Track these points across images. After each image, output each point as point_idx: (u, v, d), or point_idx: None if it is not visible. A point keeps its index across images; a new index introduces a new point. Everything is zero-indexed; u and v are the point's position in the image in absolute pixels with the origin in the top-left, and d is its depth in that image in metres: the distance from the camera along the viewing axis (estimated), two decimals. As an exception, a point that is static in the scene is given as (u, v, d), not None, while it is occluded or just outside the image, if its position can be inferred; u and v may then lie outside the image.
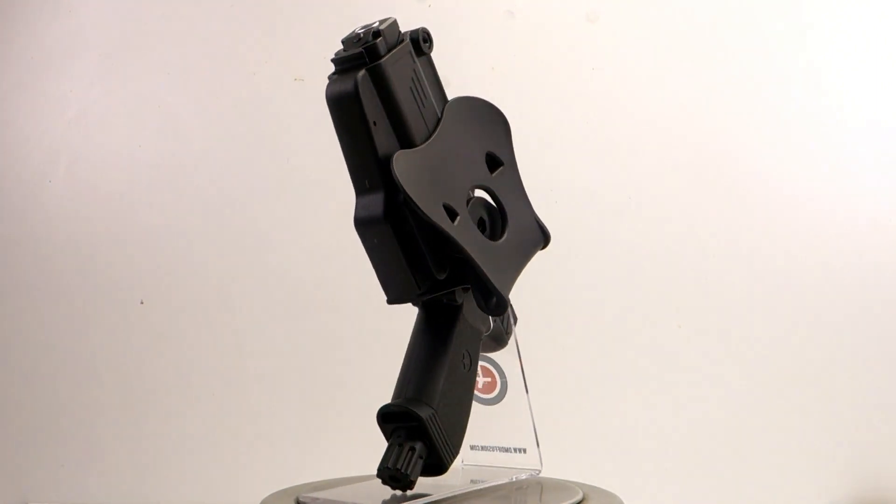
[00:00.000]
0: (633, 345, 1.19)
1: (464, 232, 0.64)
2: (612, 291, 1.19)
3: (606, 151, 1.22)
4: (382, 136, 0.62)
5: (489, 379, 0.73)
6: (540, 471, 0.71)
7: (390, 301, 0.66)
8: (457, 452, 0.66)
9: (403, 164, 0.61)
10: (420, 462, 0.63)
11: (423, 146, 0.63)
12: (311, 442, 1.18)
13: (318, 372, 1.22)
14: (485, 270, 0.64)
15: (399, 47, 0.64)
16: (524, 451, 0.71)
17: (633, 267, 1.20)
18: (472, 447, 0.75)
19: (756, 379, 1.18)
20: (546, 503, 0.66)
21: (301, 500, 0.67)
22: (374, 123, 0.62)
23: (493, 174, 0.68)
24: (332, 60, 0.64)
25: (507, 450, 0.73)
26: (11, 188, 1.29)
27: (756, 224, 1.20)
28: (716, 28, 1.23)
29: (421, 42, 0.66)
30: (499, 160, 0.69)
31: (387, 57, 0.63)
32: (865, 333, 1.17)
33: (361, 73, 0.62)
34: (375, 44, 0.62)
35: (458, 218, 0.63)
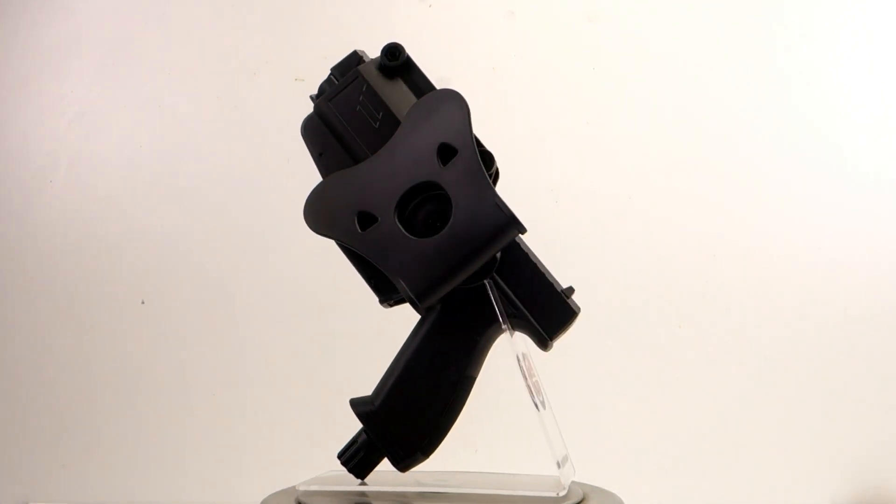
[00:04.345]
0: (632, 344, 1.19)
1: (375, 236, 0.66)
2: (612, 291, 1.19)
3: (606, 151, 1.22)
4: (330, 163, 0.70)
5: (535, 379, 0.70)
6: (557, 495, 0.66)
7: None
8: (412, 451, 0.68)
9: (318, 188, 0.68)
10: (361, 456, 0.70)
11: (363, 162, 0.68)
12: (311, 442, 1.18)
13: (318, 372, 1.22)
14: (390, 271, 0.66)
15: (344, 78, 0.70)
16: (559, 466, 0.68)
17: (633, 267, 1.20)
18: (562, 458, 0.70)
19: (756, 379, 1.18)
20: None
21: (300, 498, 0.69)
22: (321, 154, 0.70)
23: (446, 165, 0.66)
24: None
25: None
26: (12, 188, 1.29)
27: (756, 223, 1.20)
28: (716, 27, 1.23)
29: (387, 61, 0.70)
30: (453, 149, 0.66)
31: (325, 93, 0.70)
32: (866, 333, 1.17)
33: (306, 117, 0.71)
34: (324, 82, 0.71)
35: (378, 223, 0.66)
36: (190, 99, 1.27)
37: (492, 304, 0.68)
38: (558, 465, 0.66)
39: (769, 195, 1.20)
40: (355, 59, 0.71)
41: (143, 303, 1.25)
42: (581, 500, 0.68)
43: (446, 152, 0.66)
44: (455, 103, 0.67)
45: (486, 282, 0.68)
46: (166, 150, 1.27)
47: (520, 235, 0.69)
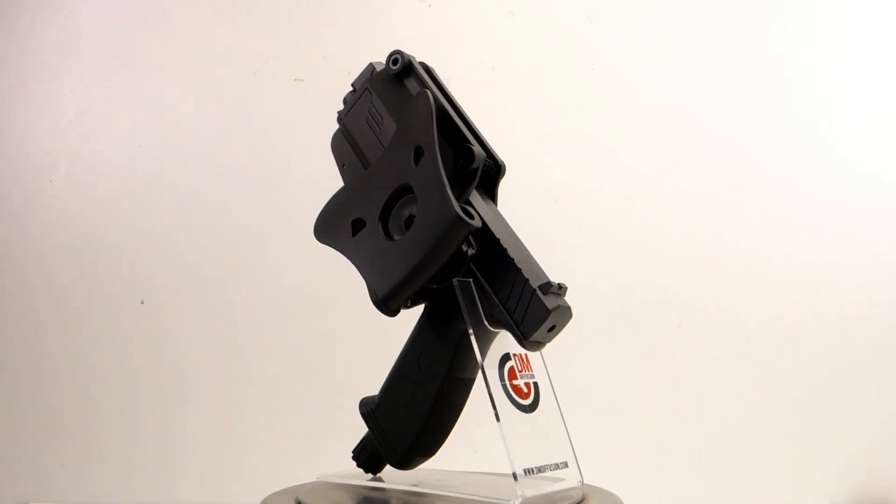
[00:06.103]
0: (632, 344, 1.19)
1: (361, 241, 0.68)
2: (612, 291, 1.19)
3: (606, 151, 1.22)
4: (349, 174, 0.72)
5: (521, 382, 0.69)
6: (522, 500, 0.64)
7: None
8: (398, 449, 0.69)
9: (328, 201, 0.70)
10: (368, 453, 0.72)
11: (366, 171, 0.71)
12: (311, 442, 1.18)
13: (318, 372, 1.22)
14: (362, 274, 0.68)
15: (357, 90, 0.72)
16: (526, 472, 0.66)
17: (633, 266, 1.20)
18: (526, 470, 0.65)
19: (756, 378, 1.18)
20: (547, 503, 0.66)
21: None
22: (343, 167, 0.72)
23: (417, 166, 0.66)
24: None
25: (553, 466, 0.67)
26: (11, 188, 1.29)
27: (756, 223, 1.20)
28: (716, 27, 1.23)
29: (390, 68, 0.71)
30: (421, 150, 0.66)
31: (344, 108, 0.73)
32: (865, 333, 1.17)
33: (335, 132, 0.73)
34: (348, 95, 0.73)
35: (365, 228, 0.68)
36: (190, 99, 1.27)
37: (466, 303, 0.67)
38: (514, 476, 0.63)
39: (769, 195, 1.20)
40: (369, 71, 0.72)
41: (142, 303, 1.25)
42: (581, 501, 0.67)
43: (419, 154, 0.67)
44: (423, 104, 0.67)
45: (454, 281, 0.67)
46: (166, 150, 1.27)
47: (514, 231, 0.69)
